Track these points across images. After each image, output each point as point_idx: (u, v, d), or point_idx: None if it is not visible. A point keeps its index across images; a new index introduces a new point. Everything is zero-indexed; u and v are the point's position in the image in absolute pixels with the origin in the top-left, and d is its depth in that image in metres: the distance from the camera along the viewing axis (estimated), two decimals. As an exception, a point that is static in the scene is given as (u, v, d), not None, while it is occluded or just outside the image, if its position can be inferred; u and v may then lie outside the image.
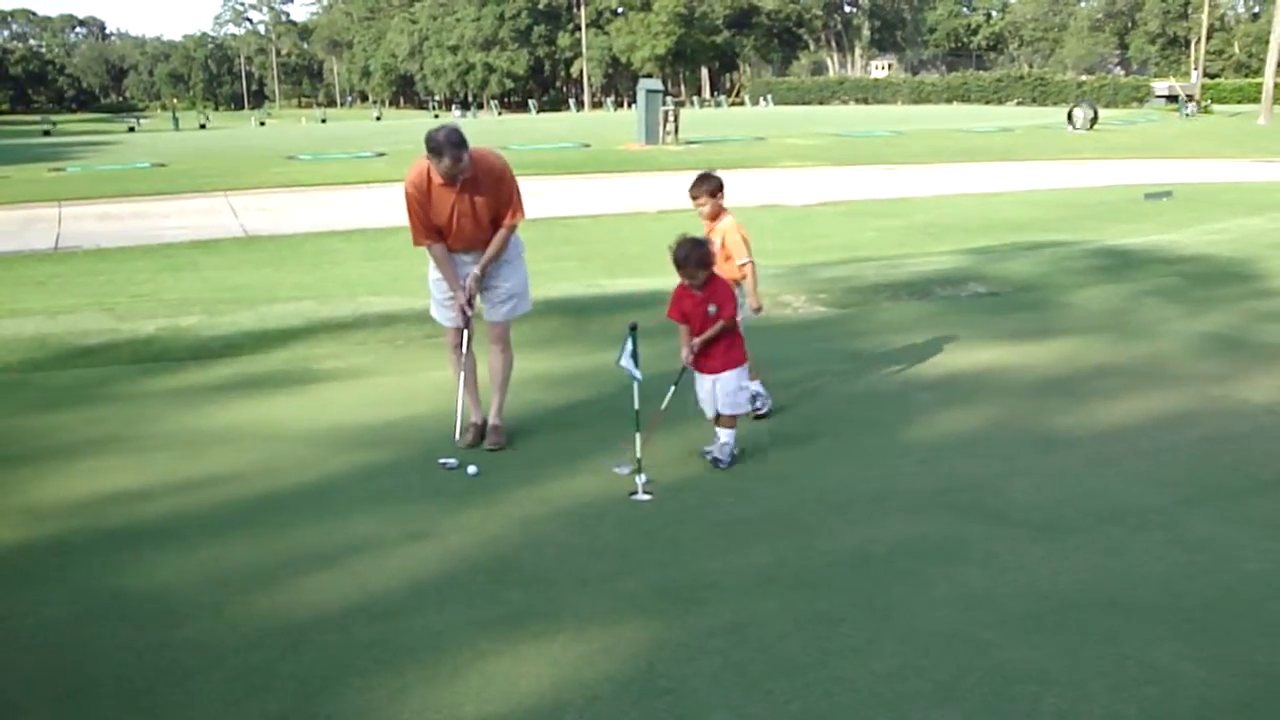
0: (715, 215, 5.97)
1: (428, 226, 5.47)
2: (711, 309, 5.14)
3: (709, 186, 5.94)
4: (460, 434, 5.67)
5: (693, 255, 5.10)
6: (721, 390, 5.21)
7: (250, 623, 3.80)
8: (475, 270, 5.56)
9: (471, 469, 5.24)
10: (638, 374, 5.08)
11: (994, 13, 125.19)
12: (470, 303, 5.59)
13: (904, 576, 4.10)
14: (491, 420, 5.69)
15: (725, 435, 5.26)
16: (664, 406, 5.20)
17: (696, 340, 5.17)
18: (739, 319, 5.35)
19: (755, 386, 5.86)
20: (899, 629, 3.70)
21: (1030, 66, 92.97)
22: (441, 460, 5.31)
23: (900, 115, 50.93)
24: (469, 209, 5.41)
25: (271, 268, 12.53)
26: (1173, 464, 5.30)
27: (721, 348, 5.21)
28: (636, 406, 5.10)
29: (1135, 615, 3.78)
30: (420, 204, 5.42)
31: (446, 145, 5.15)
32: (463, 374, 5.75)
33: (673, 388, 5.23)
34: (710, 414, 5.32)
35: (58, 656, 3.61)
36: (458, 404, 5.76)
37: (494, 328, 5.77)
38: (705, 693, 3.33)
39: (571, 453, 5.52)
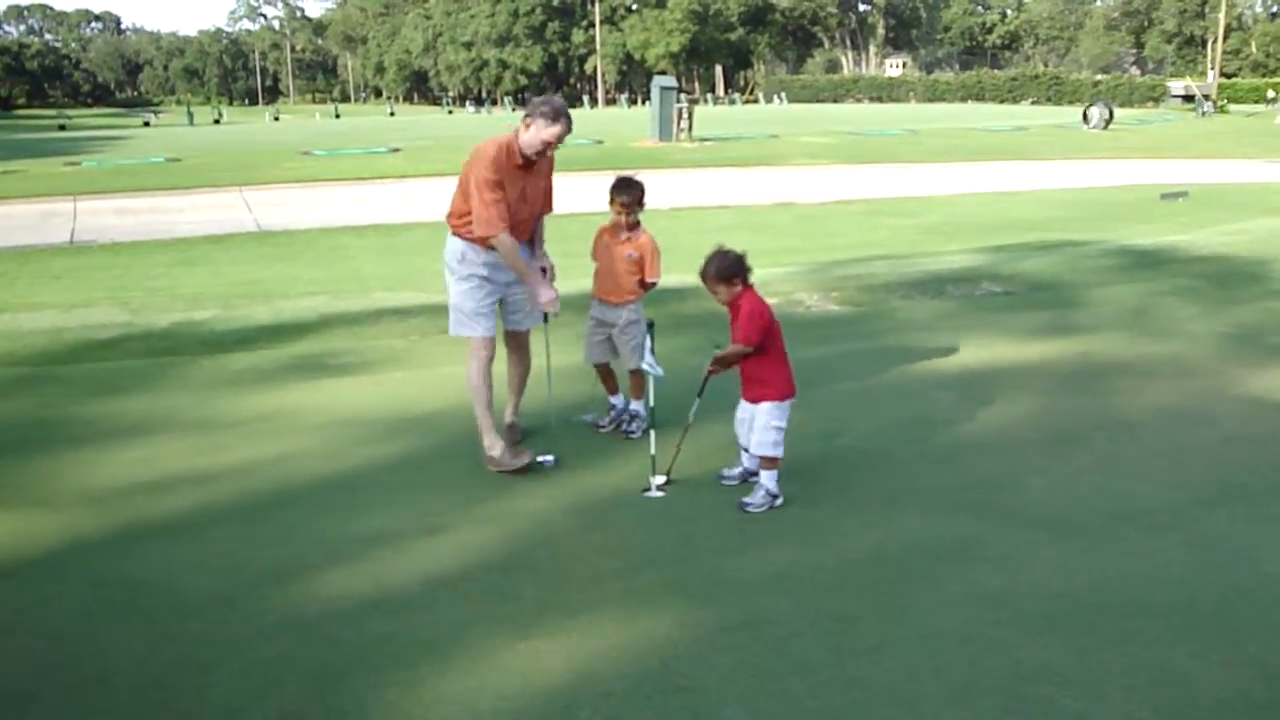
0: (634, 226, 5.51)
1: (505, 214, 4.93)
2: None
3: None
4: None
5: (705, 270, 4.67)
6: (754, 423, 4.74)
7: (264, 616, 3.81)
8: (546, 265, 5.25)
9: (550, 458, 5.26)
10: (659, 370, 5.03)
11: (1009, 11, 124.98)
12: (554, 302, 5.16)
13: (919, 576, 4.09)
14: (508, 419, 5.67)
15: (763, 477, 4.74)
16: (690, 419, 4.97)
17: (716, 354, 4.79)
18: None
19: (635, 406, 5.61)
20: (914, 628, 3.69)
21: (1045, 65, 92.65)
22: (540, 458, 5.23)
23: (914, 114, 50.77)
24: (524, 195, 5.08)
25: (285, 263, 12.55)
26: (1189, 464, 5.27)
27: (745, 374, 4.76)
28: (652, 404, 5.09)
29: (1152, 616, 3.76)
30: (501, 187, 4.91)
31: (566, 112, 4.83)
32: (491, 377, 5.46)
33: (697, 400, 4.94)
34: (742, 439, 4.87)
35: (72, 647, 3.63)
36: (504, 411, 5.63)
37: (520, 335, 5.63)
38: (719, 690, 3.32)
39: (586, 449, 5.51)
